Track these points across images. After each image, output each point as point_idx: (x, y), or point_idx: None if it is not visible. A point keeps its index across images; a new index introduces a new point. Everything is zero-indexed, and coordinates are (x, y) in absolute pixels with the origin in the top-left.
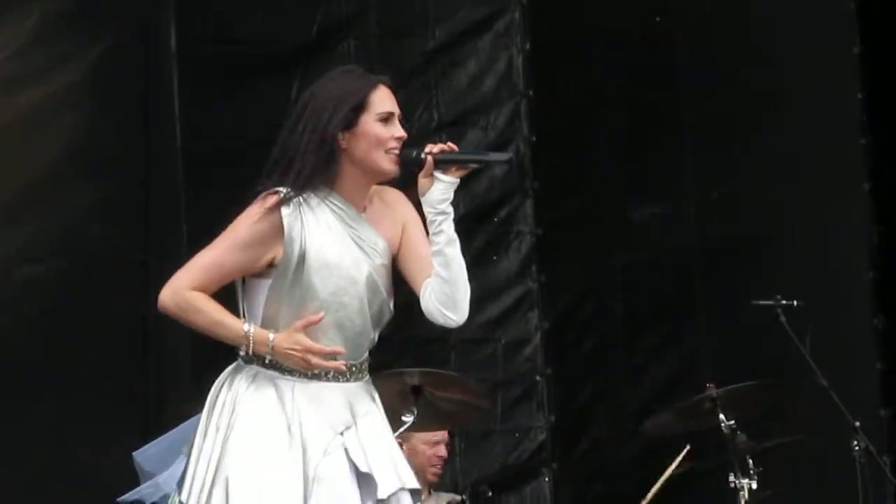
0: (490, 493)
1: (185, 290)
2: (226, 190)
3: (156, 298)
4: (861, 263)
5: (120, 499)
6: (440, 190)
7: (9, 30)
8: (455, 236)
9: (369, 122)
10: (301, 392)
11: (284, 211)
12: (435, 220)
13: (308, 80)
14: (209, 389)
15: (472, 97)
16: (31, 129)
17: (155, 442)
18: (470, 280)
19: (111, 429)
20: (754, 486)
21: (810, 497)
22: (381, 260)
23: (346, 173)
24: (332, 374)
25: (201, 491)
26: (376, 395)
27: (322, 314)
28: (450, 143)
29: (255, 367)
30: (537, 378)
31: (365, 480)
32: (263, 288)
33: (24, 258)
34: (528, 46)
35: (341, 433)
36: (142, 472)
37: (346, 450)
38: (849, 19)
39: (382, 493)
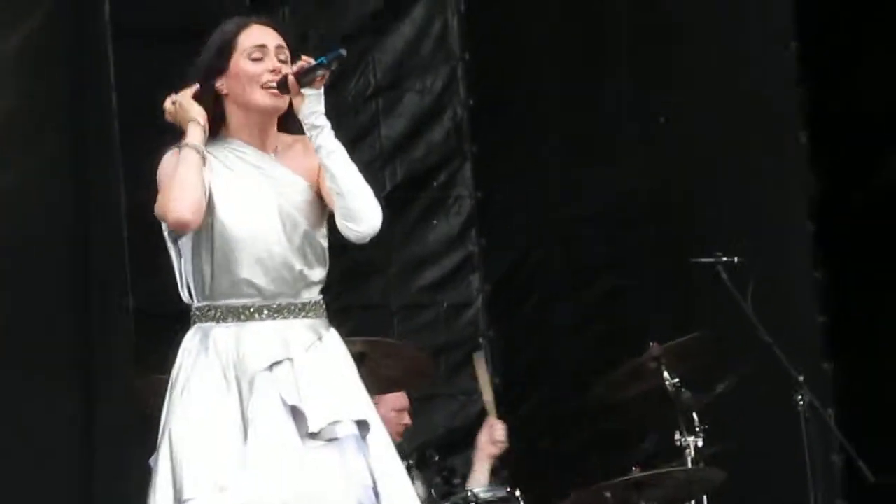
0: (437, 458)
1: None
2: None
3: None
4: (799, 217)
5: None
6: (307, 104)
7: None
8: (335, 147)
9: (239, 62)
10: (235, 335)
11: None
12: (311, 135)
13: None
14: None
15: (409, 62)
16: None
17: None
18: (410, 245)
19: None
20: (700, 443)
21: (756, 453)
22: (300, 196)
23: (235, 117)
24: (265, 312)
25: (156, 449)
26: (327, 333)
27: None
28: (306, 58)
29: (196, 324)
30: (480, 341)
31: (303, 414)
32: (188, 243)
33: None
34: (462, 9)
35: (270, 368)
36: None
37: (277, 384)
38: None
39: (312, 427)
